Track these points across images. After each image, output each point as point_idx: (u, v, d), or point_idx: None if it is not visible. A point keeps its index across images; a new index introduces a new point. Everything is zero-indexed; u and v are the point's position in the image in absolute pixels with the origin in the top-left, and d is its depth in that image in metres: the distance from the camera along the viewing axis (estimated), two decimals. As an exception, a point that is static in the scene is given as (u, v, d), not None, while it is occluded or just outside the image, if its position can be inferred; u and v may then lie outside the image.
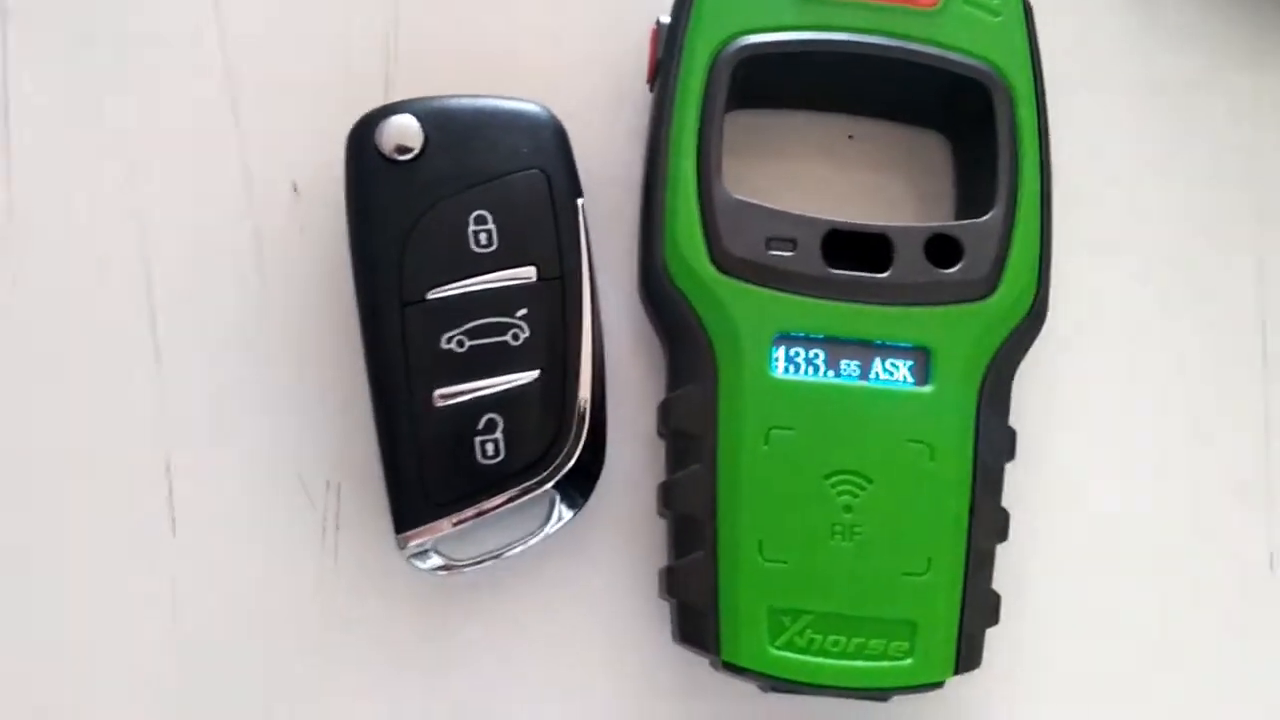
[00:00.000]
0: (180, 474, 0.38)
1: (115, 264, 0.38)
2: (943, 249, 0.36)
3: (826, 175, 0.40)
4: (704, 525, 0.35)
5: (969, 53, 0.37)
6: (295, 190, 0.39)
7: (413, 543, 0.36)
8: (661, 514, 0.37)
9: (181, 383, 0.38)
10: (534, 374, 0.36)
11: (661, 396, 0.37)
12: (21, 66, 0.39)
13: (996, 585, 0.36)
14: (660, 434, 0.37)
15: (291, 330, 0.38)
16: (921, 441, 0.35)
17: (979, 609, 0.36)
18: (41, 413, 0.38)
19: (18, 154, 0.39)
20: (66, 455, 0.37)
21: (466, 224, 0.36)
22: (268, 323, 0.38)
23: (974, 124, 0.37)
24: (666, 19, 0.37)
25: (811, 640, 0.35)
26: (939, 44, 0.37)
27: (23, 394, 0.38)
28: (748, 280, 0.36)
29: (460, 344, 0.36)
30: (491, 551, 0.37)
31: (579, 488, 0.37)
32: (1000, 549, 0.36)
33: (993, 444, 0.36)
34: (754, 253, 0.36)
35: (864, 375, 0.36)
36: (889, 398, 0.36)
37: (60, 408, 0.38)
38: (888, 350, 0.36)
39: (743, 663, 0.35)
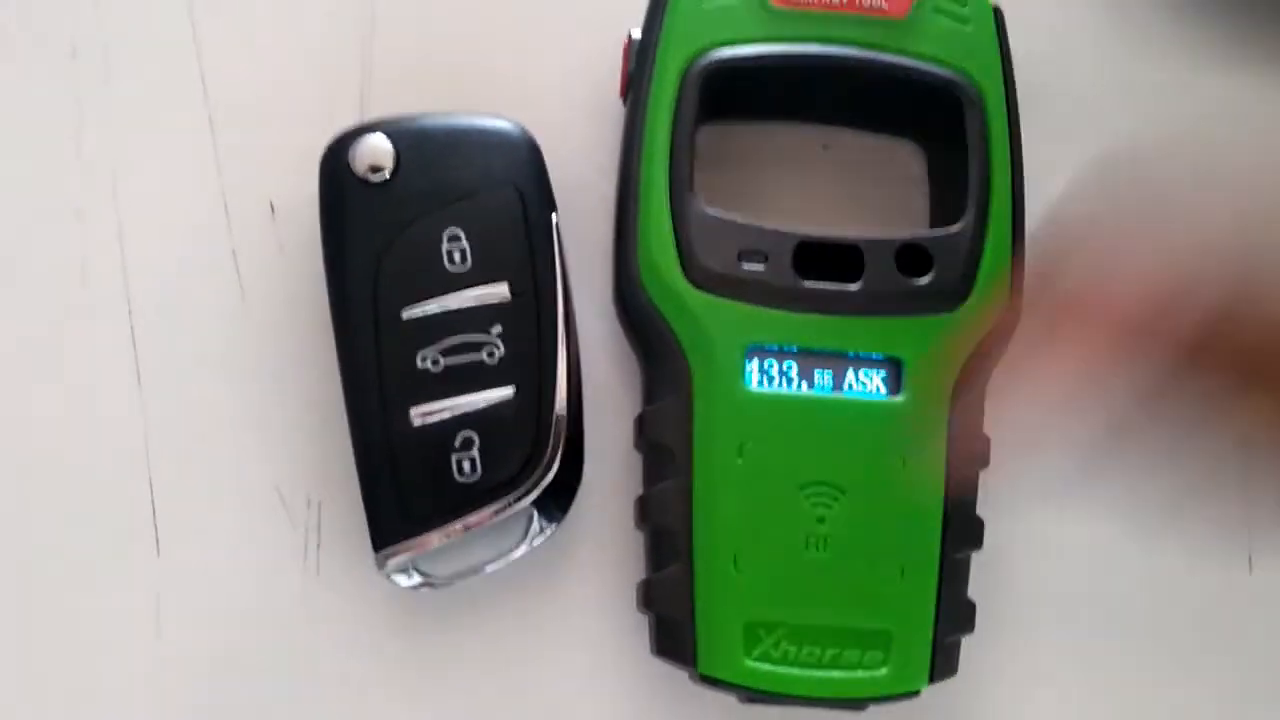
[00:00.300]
0: (162, 493, 0.38)
1: (95, 284, 0.38)
2: (913, 259, 0.36)
3: (801, 186, 0.40)
4: (680, 538, 0.35)
5: (940, 61, 0.37)
6: (273, 210, 0.39)
7: (392, 560, 0.36)
8: (639, 527, 0.37)
9: (162, 402, 0.38)
10: (510, 390, 0.36)
11: (638, 410, 0.37)
12: (-1, 87, 0.39)
13: (972, 593, 0.36)
14: (637, 447, 0.37)
15: (271, 349, 0.38)
16: (894, 452, 0.35)
17: (954, 617, 0.36)
18: (22, 432, 0.38)
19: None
20: (48, 474, 0.38)
21: (440, 242, 0.36)
22: (247, 342, 0.38)
23: (946, 133, 0.37)
24: (638, 33, 0.37)
25: (787, 651, 0.35)
26: (910, 53, 0.37)
27: (2, 413, 0.38)
28: (720, 294, 0.36)
29: (435, 362, 0.36)
30: (471, 568, 0.37)
31: (557, 503, 0.37)
32: (975, 557, 0.36)
33: (966, 452, 0.36)
34: (726, 266, 0.36)
35: (837, 387, 0.36)
36: (862, 409, 0.36)
37: (41, 427, 0.38)
38: (860, 361, 0.36)
39: (719, 675, 0.35)
